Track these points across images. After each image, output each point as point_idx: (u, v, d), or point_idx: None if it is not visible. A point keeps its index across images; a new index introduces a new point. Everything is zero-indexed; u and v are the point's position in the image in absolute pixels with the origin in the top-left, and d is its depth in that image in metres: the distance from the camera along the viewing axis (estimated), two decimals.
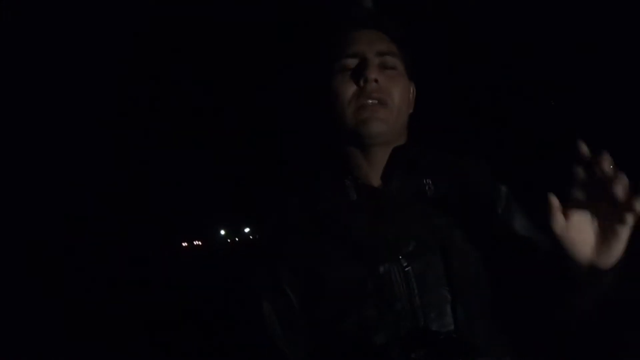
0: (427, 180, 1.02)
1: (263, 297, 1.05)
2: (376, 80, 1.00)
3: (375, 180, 1.05)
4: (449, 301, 0.96)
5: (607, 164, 0.72)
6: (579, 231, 0.78)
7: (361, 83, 1.01)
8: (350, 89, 1.02)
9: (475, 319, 0.97)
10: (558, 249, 0.79)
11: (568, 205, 0.77)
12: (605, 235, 0.77)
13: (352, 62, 1.03)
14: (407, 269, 0.96)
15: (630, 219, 0.73)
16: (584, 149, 0.74)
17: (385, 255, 0.97)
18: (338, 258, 0.99)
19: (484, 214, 1.04)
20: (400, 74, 1.06)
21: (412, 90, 1.12)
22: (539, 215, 1.04)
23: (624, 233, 0.75)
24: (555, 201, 0.77)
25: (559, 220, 0.77)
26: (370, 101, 1.01)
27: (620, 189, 0.71)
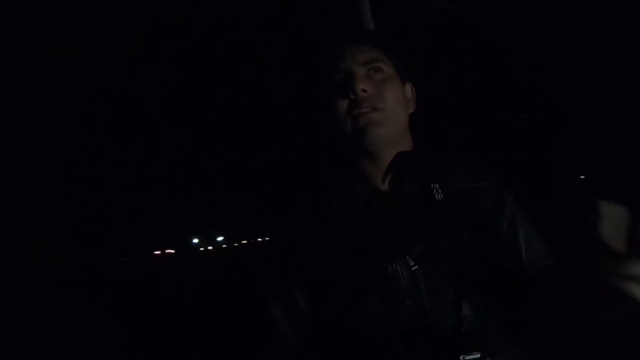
0: (435, 184, 1.05)
1: (272, 297, 1.07)
2: (364, 90, 1.04)
3: (383, 184, 1.08)
4: (456, 302, 0.98)
5: None
6: None
7: (351, 96, 1.05)
8: (343, 104, 1.05)
9: (482, 319, 1.00)
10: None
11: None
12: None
13: (340, 78, 1.07)
14: (414, 268, 0.98)
15: None
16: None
17: (393, 255, 0.99)
18: (347, 257, 1.01)
19: (489, 220, 1.07)
20: (389, 77, 1.09)
21: (409, 90, 1.16)
22: (544, 222, 1.09)
23: None
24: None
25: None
26: (363, 110, 1.04)
27: None
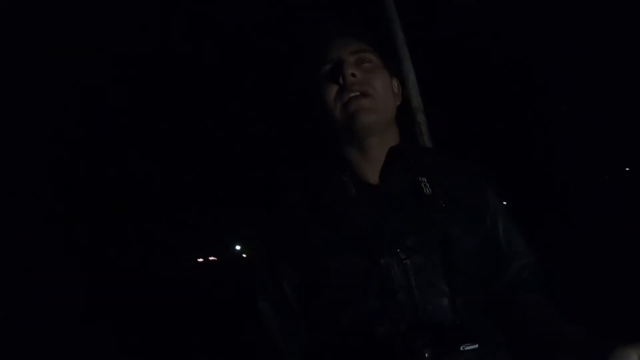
0: (423, 178, 1.05)
1: (261, 296, 1.07)
2: (353, 75, 1.05)
3: (373, 178, 1.08)
4: (447, 294, 0.99)
5: None
6: None
7: (340, 81, 1.05)
8: (333, 89, 1.07)
9: (473, 311, 1.00)
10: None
11: None
12: None
13: (330, 66, 1.09)
14: (405, 261, 0.98)
15: None
16: None
17: (384, 248, 0.99)
18: (339, 251, 1.02)
19: (475, 213, 1.08)
20: (377, 66, 1.11)
21: (395, 84, 1.16)
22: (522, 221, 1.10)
23: None
24: None
25: None
26: (352, 94, 1.05)
27: None
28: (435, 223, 1.01)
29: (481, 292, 1.04)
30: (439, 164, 1.10)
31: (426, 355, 0.89)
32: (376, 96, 1.06)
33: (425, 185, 1.04)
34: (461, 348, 0.90)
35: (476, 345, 0.90)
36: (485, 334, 0.96)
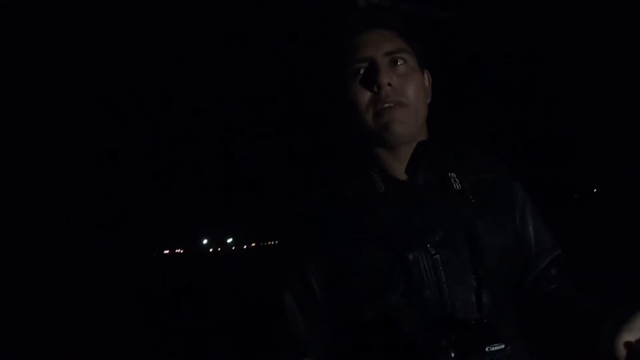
0: (452, 174, 1.04)
1: (285, 288, 1.05)
2: (389, 84, 1.01)
3: (401, 174, 1.05)
4: (475, 290, 0.97)
5: None
6: None
7: (375, 89, 1.02)
8: (366, 96, 1.02)
9: (501, 307, 0.98)
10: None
11: None
12: None
13: (363, 67, 1.04)
14: (435, 257, 0.96)
15: None
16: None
17: (413, 243, 0.97)
18: (365, 245, 0.98)
19: (503, 210, 1.07)
20: (412, 69, 1.06)
21: (427, 78, 1.13)
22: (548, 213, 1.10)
23: None
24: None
25: None
26: (386, 105, 1.01)
27: None
28: (464, 219, 1.00)
29: (509, 290, 1.03)
30: (467, 160, 1.09)
31: (452, 355, 0.87)
32: (410, 105, 1.02)
33: (454, 180, 1.02)
34: (487, 349, 0.88)
35: (502, 346, 0.88)
36: (510, 332, 0.94)
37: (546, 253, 1.08)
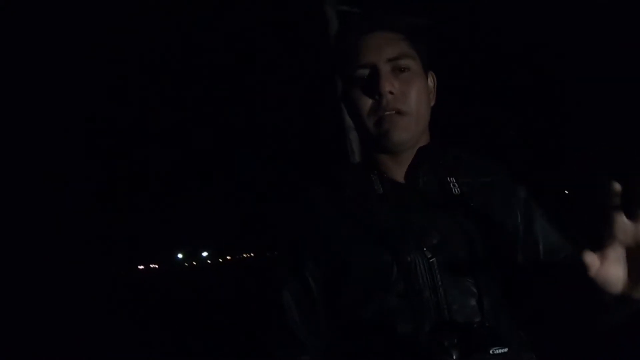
0: (451, 178, 1.05)
1: (283, 286, 1.04)
2: (391, 92, 1.02)
3: (400, 177, 1.06)
4: (474, 294, 0.97)
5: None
6: (612, 269, 0.79)
7: (376, 96, 1.02)
8: (367, 102, 1.02)
9: (500, 312, 0.98)
10: (590, 281, 0.81)
11: (601, 247, 0.78)
12: (635, 269, 0.79)
13: (364, 73, 1.03)
14: (431, 260, 0.96)
15: None
16: (617, 187, 0.76)
17: (410, 245, 0.97)
18: (363, 245, 0.98)
19: (504, 213, 1.07)
20: (415, 74, 1.05)
21: (432, 79, 1.12)
22: (556, 215, 1.10)
23: None
24: (590, 257, 0.78)
25: (593, 264, 0.79)
26: (387, 113, 1.01)
27: None
28: (463, 223, 0.99)
29: (509, 294, 1.04)
30: (468, 164, 1.09)
31: (454, 356, 0.88)
32: (412, 113, 1.02)
33: (454, 185, 1.03)
34: (491, 351, 0.89)
35: (506, 349, 0.88)
36: (511, 336, 0.95)
37: (557, 254, 1.06)
